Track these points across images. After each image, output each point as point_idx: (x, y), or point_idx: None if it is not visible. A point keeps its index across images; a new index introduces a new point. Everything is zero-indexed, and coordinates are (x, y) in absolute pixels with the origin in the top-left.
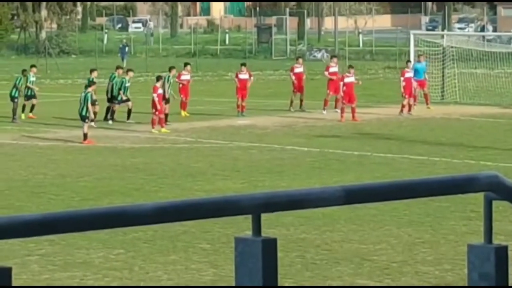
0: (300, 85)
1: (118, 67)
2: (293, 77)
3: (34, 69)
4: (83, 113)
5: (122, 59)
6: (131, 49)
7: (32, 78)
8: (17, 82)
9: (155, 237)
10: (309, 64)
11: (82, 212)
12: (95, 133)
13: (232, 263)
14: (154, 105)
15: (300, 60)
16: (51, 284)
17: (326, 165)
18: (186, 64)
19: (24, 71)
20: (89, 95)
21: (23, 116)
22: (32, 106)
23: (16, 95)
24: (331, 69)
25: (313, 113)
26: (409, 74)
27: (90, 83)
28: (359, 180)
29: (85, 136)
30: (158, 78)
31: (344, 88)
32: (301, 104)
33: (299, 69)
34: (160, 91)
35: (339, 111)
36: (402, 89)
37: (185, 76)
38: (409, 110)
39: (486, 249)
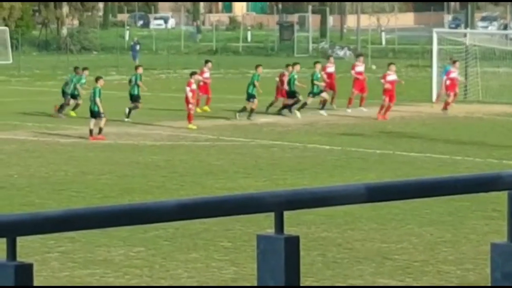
0: (332, 83)
1: (137, 67)
2: (325, 76)
3: (86, 72)
4: (95, 109)
5: (134, 58)
6: (152, 46)
7: (83, 80)
8: (71, 79)
9: (175, 235)
10: None
11: (103, 208)
12: (117, 131)
13: (253, 261)
14: (187, 100)
15: (332, 59)
16: (72, 281)
17: (348, 164)
18: (207, 62)
19: (76, 68)
20: (97, 90)
21: (72, 113)
22: (76, 105)
23: (69, 91)
24: (357, 68)
25: (336, 111)
26: (454, 74)
27: (97, 78)
28: (381, 179)
29: (100, 130)
30: (192, 74)
31: (388, 85)
32: (332, 101)
33: (331, 68)
34: (194, 86)
35: (364, 109)
36: (444, 88)
37: (207, 74)
38: (445, 107)
39: (509, 248)
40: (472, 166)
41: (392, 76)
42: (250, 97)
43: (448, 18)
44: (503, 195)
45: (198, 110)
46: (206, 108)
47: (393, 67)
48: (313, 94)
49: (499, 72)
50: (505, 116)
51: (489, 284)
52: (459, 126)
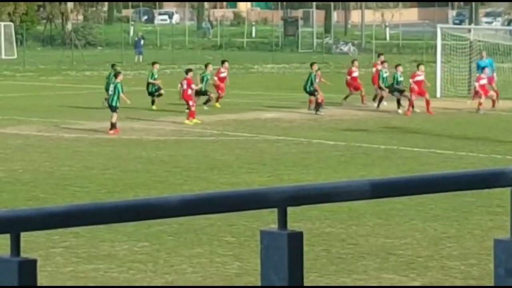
0: (357, 85)
1: (154, 63)
2: (349, 78)
3: (157, 66)
4: (113, 104)
5: (139, 53)
6: (157, 41)
7: (155, 75)
8: (109, 77)
9: (180, 230)
10: (336, 57)
11: (107, 204)
12: (121, 126)
13: (257, 256)
14: (187, 96)
15: (356, 63)
16: (76, 276)
17: (352, 159)
18: (223, 62)
19: (113, 65)
20: (119, 85)
21: (154, 107)
22: (159, 95)
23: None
24: (353, 74)
25: (340, 107)
26: (420, 77)
27: (117, 73)
28: (385, 174)
29: (113, 125)
30: (188, 71)
31: (414, 86)
32: (362, 101)
33: (356, 73)
34: (193, 85)
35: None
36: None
37: (223, 74)
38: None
39: None
40: (476, 162)
41: (420, 77)
42: (311, 93)
43: (452, 13)
44: (508, 191)
45: (217, 105)
46: (216, 104)
47: (422, 67)
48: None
49: (503, 67)
50: (510, 112)
51: (493, 280)
52: (463, 121)
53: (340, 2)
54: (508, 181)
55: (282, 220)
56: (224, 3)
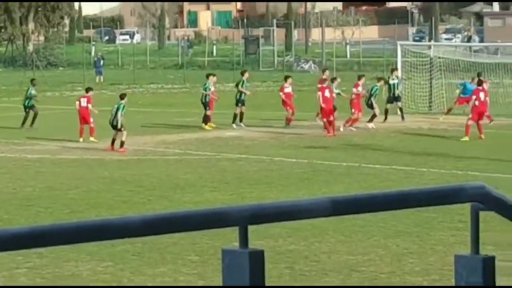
0: (291, 103)
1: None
2: (282, 94)
3: (214, 78)
4: (114, 123)
5: (99, 73)
6: (118, 61)
7: (212, 88)
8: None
9: (143, 249)
10: (297, 75)
11: (69, 224)
12: (84, 145)
13: (220, 275)
14: (85, 115)
15: (290, 80)
16: None
17: (315, 176)
18: (286, 78)
19: (88, 89)
20: (121, 106)
21: (206, 127)
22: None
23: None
24: (286, 90)
25: (300, 125)
26: (288, 89)
27: (122, 94)
28: (347, 191)
29: (122, 144)
30: (88, 90)
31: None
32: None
33: (288, 89)
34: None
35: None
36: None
37: (288, 89)
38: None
39: (473, 260)
40: (438, 178)
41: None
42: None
43: (412, 30)
44: (468, 206)
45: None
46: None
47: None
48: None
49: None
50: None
51: None
52: (424, 138)
53: (301, 21)
54: (468, 197)
55: (243, 239)
56: (185, 22)
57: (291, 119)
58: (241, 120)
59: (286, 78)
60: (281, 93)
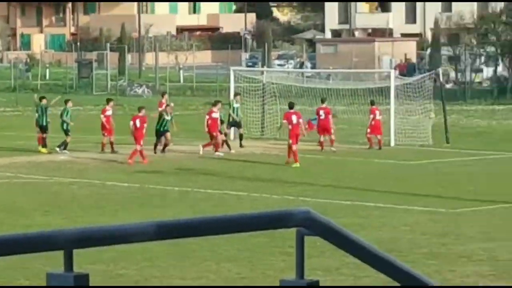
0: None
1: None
2: (103, 116)
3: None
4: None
5: None
6: None
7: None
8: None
9: None
10: (130, 99)
11: None
12: None
13: None
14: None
15: (112, 103)
16: None
17: (147, 201)
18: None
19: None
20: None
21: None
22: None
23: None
24: (107, 113)
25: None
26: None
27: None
28: (179, 216)
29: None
30: (108, 101)
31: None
32: (103, 147)
33: (109, 112)
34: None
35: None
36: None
37: (109, 112)
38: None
39: (298, 284)
40: (270, 203)
41: (109, 112)
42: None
43: (245, 56)
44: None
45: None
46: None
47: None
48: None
49: (297, 109)
50: (301, 153)
51: None
52: (257, 163)
53: (134, 45)
54: (294, 222)
55: (68, 263)
56: (18, 45)
57: (104, 144)
58: (65, 148)
59: (108, 100)
60: (102, 116)
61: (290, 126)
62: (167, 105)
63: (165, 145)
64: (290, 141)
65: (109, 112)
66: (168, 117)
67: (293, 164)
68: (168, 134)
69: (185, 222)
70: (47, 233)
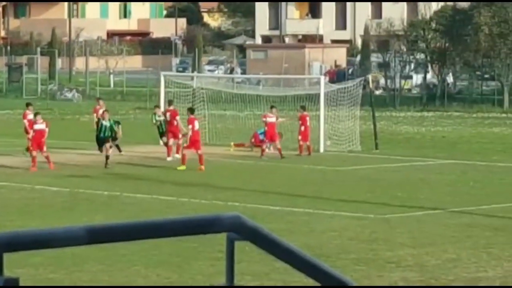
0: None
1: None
2: (25, 121)
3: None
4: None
5: None
6: None
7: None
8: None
9: None
10: (60, 104)
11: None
12: None
13: None
14: None
15: (31, 108)
16: None
17: (76, 205)
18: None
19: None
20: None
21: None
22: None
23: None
24: (29, 117)
25: (63, 152)
26: (272, 119)
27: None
28: (108, 220)
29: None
30: (28, 105)
31: (266, 128)
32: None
33: (30, 115)
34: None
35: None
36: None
37: (30, 116)
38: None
39: None
40: (199, 208)
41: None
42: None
43: (176, 61)
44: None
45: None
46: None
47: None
48: None
49: (226, 115)
50: (231, 158)
51: None
52: (186, 168)
53: (65, 49)
54: (223, 227)
55: None
56: None
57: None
58: None
59: (27, 105)
60: (24, 120)
61: (191, 132)
62: (105, 111)
63: (107, 157)
64: (185, 145)
65: (30, 116)
66: (106, 123)
67: (179, 167)
68: (108, 145)
69: (115, 227)
70: None
